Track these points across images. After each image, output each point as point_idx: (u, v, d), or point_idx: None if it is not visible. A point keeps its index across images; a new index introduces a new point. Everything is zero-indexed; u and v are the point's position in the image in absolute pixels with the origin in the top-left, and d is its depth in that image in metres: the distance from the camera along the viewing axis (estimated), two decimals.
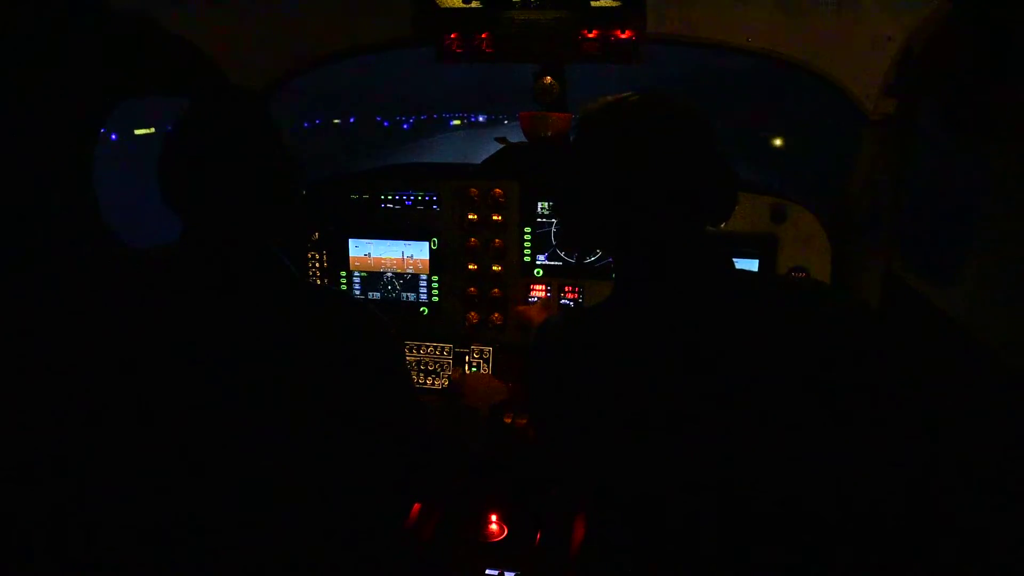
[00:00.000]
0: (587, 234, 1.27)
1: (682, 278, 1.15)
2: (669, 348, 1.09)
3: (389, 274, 2.43)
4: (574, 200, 1.23)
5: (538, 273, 2.34)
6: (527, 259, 2.34)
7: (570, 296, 2.33)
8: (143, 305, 1.34)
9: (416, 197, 2.38)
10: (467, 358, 2.40)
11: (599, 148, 1.18)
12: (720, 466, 1.05)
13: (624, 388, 1.10)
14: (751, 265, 2.18)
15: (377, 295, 2.45)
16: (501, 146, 2.41)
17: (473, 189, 2.32)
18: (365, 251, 2.43)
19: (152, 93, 2.13)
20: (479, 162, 2.48)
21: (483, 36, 2.07)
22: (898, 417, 1.14)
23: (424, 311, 2.42)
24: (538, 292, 2.35)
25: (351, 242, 2.43)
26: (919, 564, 1.33)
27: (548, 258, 2.33)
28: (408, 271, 2.41)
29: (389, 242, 2.41)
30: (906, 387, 1.18)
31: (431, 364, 2.42)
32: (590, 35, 2.02)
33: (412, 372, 2.42)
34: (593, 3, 1.95)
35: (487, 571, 1.86)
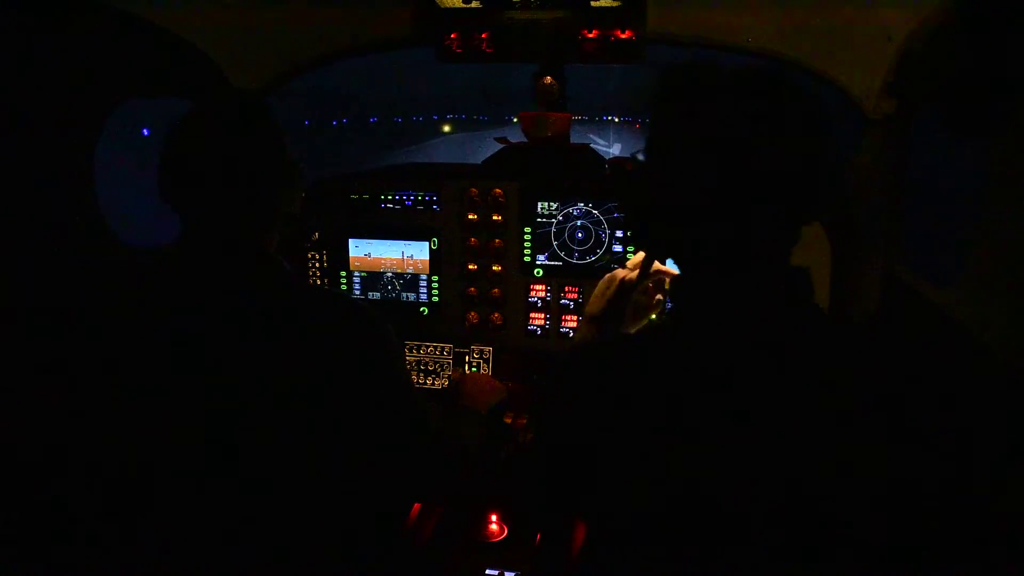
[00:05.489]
0: (665, 232, 1.11)
1: (761, 309, 1.03)
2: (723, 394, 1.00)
3: (389, 274, 2.43)
4: (653, 190, 1.08)
5: (538, 273, 2.34)
6: (527, 259, 2.34)
7: (570, 296, 2.33)
8: (142, 306, 1.35)
9: (416, 197, 2.38)
10: (467, 358, 2.40)
11: (695, 126, 1.03)
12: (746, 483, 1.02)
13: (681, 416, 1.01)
14: None
15: (377, 295, 2.45)
16: (501, 146, 2.41)
17: (473, 189, 2.32)
18: (365, 251, 2.43)
19: (152, 93, 2.13)
20: (479, 162, 2.48)
21: (483, 36, 2.07)
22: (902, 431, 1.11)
23: (424, 311, 2.42)
24: (538, 292, 2.35)
25: (351, 242, 2.43)
26: (919, 566, 1.33)
27: (548, 258, 2.33)
28: (408, 271, 2.42)
29: (389, 242, 2.41)
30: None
31: (431, 364, 2.42)
32: (590, 35, 2.02)
33: (412, 372, 2.42)
34: (593, 3, 1.95)
35: (487, 571, 1.86)
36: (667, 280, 1.57)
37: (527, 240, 2.33)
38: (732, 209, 1.01)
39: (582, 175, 2.30)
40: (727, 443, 1.00)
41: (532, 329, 2.36)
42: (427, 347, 2.42)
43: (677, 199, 1.05)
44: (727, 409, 1.00)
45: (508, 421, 2.04)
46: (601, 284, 1.57)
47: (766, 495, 0.99)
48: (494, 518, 1.99)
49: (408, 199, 2.39)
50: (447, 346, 2.41)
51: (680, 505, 1.02)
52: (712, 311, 1.06)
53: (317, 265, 2.45)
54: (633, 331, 1.56)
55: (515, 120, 2.33)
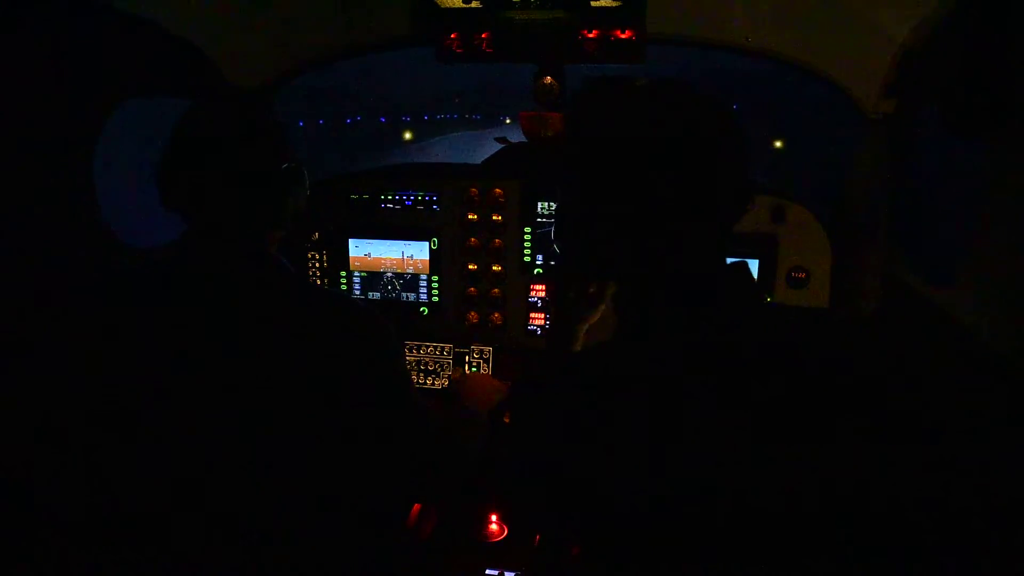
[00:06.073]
0: (601, 251, 1.13)
1: (714, 309, 1.04)
2: (706, 397, 1.00)
3: (389, 274, 2.43)
4: (582, 213, 1.10)
5: (538, 273, 2.34)
6: (527, 259, 2.34)
7: None
8: (142, 306, 1.34)
9: (416, 197, 2.38)
10: (467, 358, 2.40)
11: (625, 141, 1.05)
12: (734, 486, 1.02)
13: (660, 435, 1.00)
14: (751, 265, 2.17)
15: (377, 295, 2.45)
16: (501, 146, 2.41)
17: (473, 189, 2.32)
18: (365, 251, 2.43)
19: (152, 93, 2.13)
20: (479, 162, 2.48)
21: (483, 36, 2.07)
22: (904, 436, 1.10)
23: (424, 311, 2.42)
24: (538, 292, 2.35)
25: (351, 242, 2.43)
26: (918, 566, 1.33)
27: (548, 258, 2.33)
28: (408, 271, 2.42)
29: (389, 242, 2.41)
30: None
31: (431, 364, 2.42)
32: (590, 35, 2.02)
33: (412, 372, 2.43)
34: (593, 3, 1.95)
35: (487, 571, 1.86)
36: None
37: (527, 240, 2.33)
38: (662, 214, 1.05)
39: None
40: (720, 445, 1.00)
41: (532, 329, 2.36)
42: (427, 347, 2.42)
43: (608, 206, 1.08)
44: (720, 409, 1.00)
45: (508, 421, 2.04)
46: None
47: (763, 495, 0.99)
48: (494, 518, 1.99)
49: (408, 199, 2.39)
50: (447, 346, 2.41)
51: (678, 506, 1.02)
52: (669, 314, 1.08)
53: (317, 265, 2.45)
54: (596, 317, 1.59)
55: (508, 121, 2.33)
